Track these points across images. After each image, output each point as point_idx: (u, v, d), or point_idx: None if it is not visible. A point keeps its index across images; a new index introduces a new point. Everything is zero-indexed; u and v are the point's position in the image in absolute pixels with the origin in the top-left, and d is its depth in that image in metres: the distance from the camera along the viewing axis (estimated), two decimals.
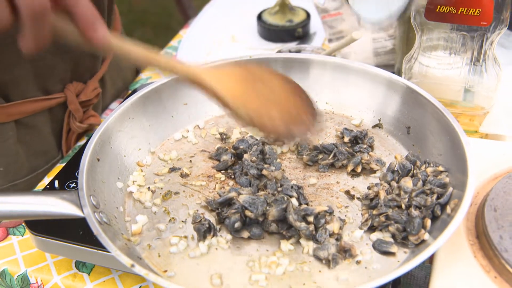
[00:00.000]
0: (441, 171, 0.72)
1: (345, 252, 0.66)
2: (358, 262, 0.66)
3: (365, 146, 0.81)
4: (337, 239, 0.68)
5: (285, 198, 0.70)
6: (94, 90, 1.03)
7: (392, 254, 0.67)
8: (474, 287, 0.60)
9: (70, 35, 0.56)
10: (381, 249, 0.67)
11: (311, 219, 0.68)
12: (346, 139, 0.81)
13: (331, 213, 0.70)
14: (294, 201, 0.70)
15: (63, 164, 0.86)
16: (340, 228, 0.69)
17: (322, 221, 0.68)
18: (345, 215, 0.72)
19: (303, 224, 0.68)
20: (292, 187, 0.73)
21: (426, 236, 0.66)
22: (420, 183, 0.72)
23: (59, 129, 1.04)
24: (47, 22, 0.52)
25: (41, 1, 0.51)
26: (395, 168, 0.76)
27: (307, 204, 0.73)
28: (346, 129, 0.83)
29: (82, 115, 1.02)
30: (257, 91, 0.65)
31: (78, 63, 0.99)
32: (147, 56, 0.61)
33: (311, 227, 0.68)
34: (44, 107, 0.97)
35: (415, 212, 0.69)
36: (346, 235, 0.69)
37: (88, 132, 1.07)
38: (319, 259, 0.67)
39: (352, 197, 0.75)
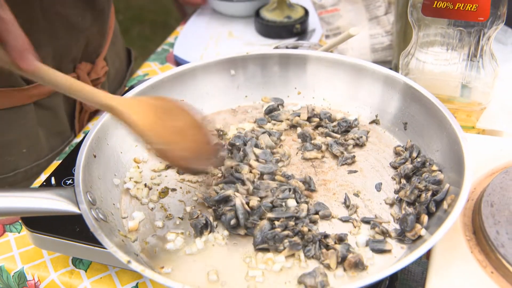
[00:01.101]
0: (434, 170, 0.73)
1: (356, 266, 0.64)
2: None
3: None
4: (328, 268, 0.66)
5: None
6: (103, 68, 1.10)
7: (388, 251, 0.67)
8: (471, 282, 0.60)
9: (1, 59, 0.58)
10: (376, 248, 0.67)
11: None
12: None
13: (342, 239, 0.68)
14: (291, 202, 0.71)
15: (59, 162, 0.86)
16: (338, 262, 0.66)
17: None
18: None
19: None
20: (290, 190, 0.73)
21: (423, 231, 0.66)
22: (415, 179, 0.72)
23: (72, 110, 1.09)
24: None
25: None
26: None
27: (306, 202, 0.73)
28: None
29: None
30: (169, 123, 0.67)
31: (88, 42, 1.05)
32: (72, 85, 0.63)
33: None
34: None
35: (408, 209, 0.69)
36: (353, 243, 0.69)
37: (99, 111, 1.11)
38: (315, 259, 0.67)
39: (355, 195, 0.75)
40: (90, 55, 1.08)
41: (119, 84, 1.24)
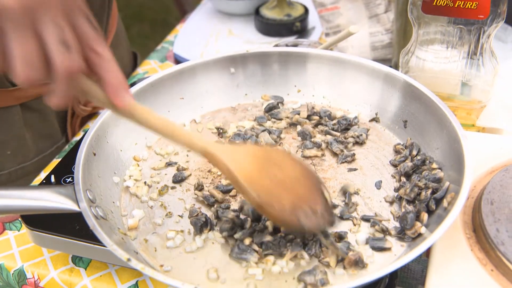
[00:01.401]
0: (434, 168, 0.73)
1: (356, 264, 0.64)
2: None
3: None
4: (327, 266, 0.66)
5: None
6: None
7: (388, 249, 0.67)
8: (471, 280, 0.60)
9: (95, 96, 0.57)
10: (375, 246, 0.67)
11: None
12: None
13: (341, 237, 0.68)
14: None
15: (59, 160, 0.86)
16: (337, 261, 0.65)
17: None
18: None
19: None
20: None
21: (423, 229, 0.66)
22: (414, 177, 0.72)
23: (63, 113, 1.06)
24: (78, 83, 0.54)
25: (77, 64, 0.52)
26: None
27: None
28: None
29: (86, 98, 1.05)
30: (271, 174, 0.64)
31: None
32: (167, 127, 0.62)
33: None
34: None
35: (408, 207, 0.69)
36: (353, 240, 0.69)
37: (92, 116, 1.09)
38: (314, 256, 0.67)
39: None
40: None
41: None
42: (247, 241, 0.67)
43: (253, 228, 0.68)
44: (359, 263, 0.64)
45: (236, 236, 0.68)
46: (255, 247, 0.67)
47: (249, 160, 0.63)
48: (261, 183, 0.62)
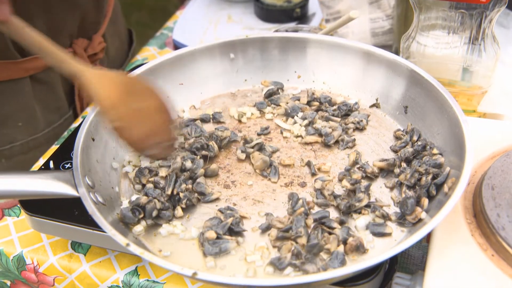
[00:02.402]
0: (435, 154, 0.73)
1: (357, 249, 0.64)
2: None
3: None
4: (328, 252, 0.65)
5: None
6: (100, 44, 1.10)
7: (388, 235, 0.67)
8: (471, 265, 0.59)
9: None
10: (376, 231, 0.67)
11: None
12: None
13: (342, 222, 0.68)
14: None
15: (58, 146, 0.85)
16: (338, 245, 0.65)
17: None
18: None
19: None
20: None
21: (423, 215, 0.65)
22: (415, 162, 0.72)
23: (70, 86, 1.10)
24: None
25: None
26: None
27: None
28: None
29: None
30: (132, 103, 0.67)
31: (84, 18, 1.05)
32: (42, 45, 0.63)
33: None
34: None
35: (408, 193, 0.69)
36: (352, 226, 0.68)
37: None
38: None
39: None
40: (87, 31, 1.08)
41: (120, 63, 1.24)
42: (211, 234, 0.66)
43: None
44: (360, 248, 0.64)
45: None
46: (227, 236, 0.67)
47: (114, 87, 0.66)
48: (124, 111, 0.66)
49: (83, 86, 0.65)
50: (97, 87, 0.65)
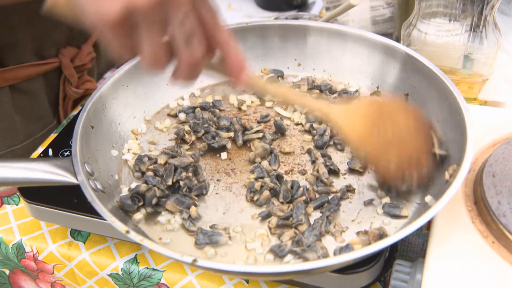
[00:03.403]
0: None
1: (380, 238, 0.63)
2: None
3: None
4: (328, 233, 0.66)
5: None
6: (89, 55, 1.05)
7: (404, 217, 0.67)
8: (472, 252, 0.59)
9: (216, 73, 0.62)
10: (391, 213, 0.67)
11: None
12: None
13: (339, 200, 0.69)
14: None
15: (56, 134, 0.85)
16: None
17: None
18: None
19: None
20: None
21: (428, 198, 0.65)
22: None
23: (55, 95, 1.04)
24: (200, 69, 0.57)
25: (199, 55, 0.55)
26: None
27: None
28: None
29: (78, 80, 1.04)
30: (380, 130, 0.67)
31: (72, 27, 0.99)
32: (285, 94, 0.67)
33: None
34: (38, 72, 0.98)
35: None
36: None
37: (84, 98, 1.07)
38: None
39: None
40: (76, 39, 1.03)
41: (111, 65, 1.19)
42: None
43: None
44: (383, 237, 0.63)
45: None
46: (219, 228, 0.66)
47: (360, 120, 0.67)
48: (370, 142, 0.66)
49: (330, 123, 0.67)
50: (343, 126, 0.66)
